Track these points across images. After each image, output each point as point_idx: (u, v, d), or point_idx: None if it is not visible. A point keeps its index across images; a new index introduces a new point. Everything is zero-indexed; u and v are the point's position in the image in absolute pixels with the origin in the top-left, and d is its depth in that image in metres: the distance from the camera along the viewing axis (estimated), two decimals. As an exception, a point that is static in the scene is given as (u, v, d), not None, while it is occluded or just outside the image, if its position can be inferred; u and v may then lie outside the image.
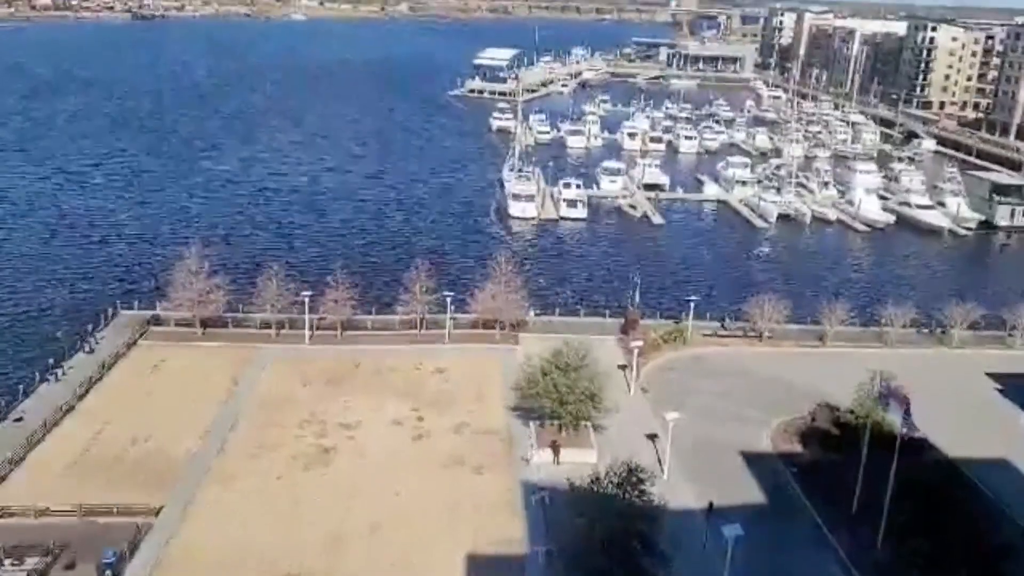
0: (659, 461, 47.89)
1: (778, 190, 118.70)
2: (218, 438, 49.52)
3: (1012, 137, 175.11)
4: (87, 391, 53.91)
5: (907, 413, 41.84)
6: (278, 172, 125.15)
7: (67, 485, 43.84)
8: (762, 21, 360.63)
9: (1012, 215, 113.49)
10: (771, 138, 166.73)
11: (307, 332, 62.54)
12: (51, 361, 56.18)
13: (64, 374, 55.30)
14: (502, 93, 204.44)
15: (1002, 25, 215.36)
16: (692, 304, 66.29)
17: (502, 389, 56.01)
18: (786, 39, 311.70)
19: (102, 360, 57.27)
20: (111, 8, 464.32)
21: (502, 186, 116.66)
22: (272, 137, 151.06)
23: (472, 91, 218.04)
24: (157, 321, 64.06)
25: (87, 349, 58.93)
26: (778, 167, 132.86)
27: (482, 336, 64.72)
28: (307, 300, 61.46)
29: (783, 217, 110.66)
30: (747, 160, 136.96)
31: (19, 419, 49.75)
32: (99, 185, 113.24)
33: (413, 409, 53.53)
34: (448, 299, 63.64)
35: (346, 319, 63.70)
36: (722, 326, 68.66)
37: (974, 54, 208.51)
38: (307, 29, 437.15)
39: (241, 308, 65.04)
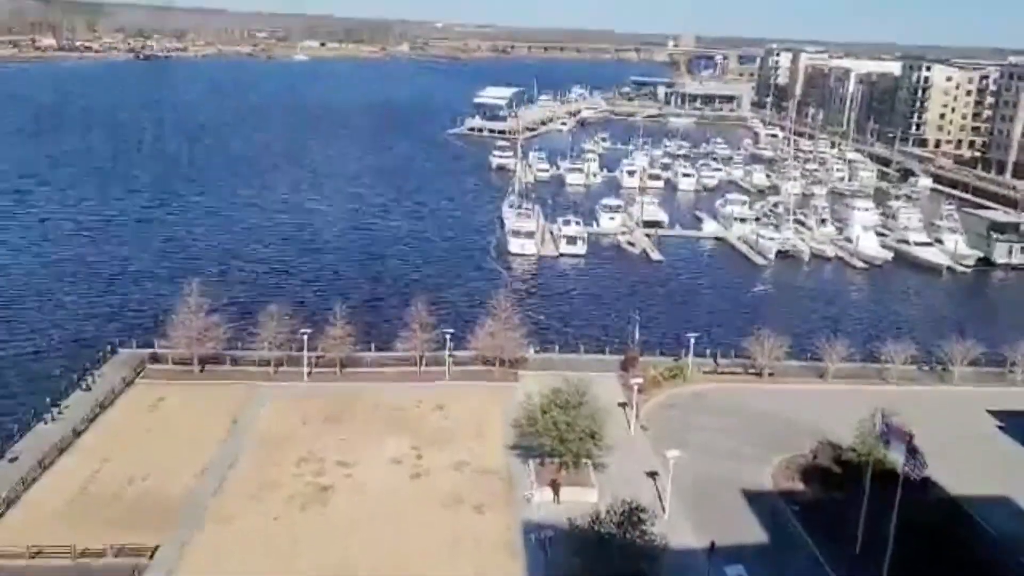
0: (660, 499, 47.49)
1: (776, 227, 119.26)
2: (216, 477, 49.12)
3: (1008, 175, 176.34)
4: (84, 429, 53.57)
5: (913, 451, 41.64)
6: (279, 210, 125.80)
7: (63, 525, 43.37)
8: (758, 61, 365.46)
9: (1010, 252, 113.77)
10: (769, 176, 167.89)
11: (306, 369, 62.40)
12: (48, 399, 55.91)
13: (61, 412, 55.01)
14: (502, 131, 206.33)
15: (995, 65, 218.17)
16: (692, 341, 66.25)
17: (502, 426, 55.73)
18: (782, 78, 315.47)
19: (99, 398, 57.02)
20: (115, 49, 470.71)
21: (502, 223, 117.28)
22: (273, 175, 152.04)
23: (472, 129, 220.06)
24: (155, 359, 63.89)
25: (84, 387, 58.72)
26: (776, 204, 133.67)
27: (482, 373, 64.58)
28: (306, 337, 61.43)
29: (782, 254, 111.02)
30: (745, 197, 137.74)
31: (14, 459, 49.37)
32: (99, 223, 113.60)
33: (412, 447, 53.21)
34: (448, 336, 63.62)
35: (345, 356, 63.62)
36: (715, 362, 68.55)
37: (968, 93, 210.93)
38: (309, 69, 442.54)
39: (240, 345, 64.95)
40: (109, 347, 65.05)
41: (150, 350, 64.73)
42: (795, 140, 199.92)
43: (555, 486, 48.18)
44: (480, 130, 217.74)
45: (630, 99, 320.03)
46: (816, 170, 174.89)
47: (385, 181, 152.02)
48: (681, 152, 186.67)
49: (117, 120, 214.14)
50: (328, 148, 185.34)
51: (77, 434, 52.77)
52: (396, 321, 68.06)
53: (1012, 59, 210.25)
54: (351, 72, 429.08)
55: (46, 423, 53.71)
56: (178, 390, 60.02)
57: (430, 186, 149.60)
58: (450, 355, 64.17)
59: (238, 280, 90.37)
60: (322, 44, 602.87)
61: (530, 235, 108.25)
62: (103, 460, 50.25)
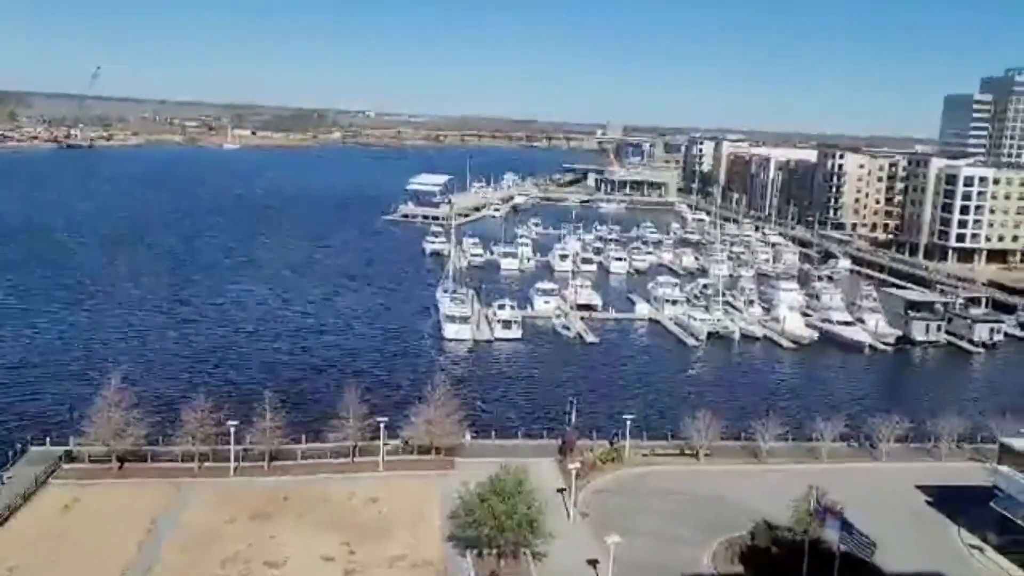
0: (601, 589, 46.44)
1: (707, 308, 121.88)
2: (133, 582, 46.25)
3: (920, 256, 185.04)
4: (-11, 535, 50.14)
5: (849, 528, 41.87)
6: (205, 300, 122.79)
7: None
8: (683, 149, 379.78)
9: (927, 330, 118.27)
10: (697, 258, 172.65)
11: (232, 464, 60.02)
12: (-48, 503, 52.35)
13: (-34, 517, 51.47)
14: (435, 217, 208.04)
15: (903, 153, 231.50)
16: (628, 423, 66.30)
17: (439, 517, 54.31)
18: (706, 165, 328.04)
19: (8, 501, 53.51)
20: (37, 139, 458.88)
21: (436, 308, 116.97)
22: (200, 265, 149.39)
23: (406, 216, 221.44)
24: (70, 457, 60.65)
25: (-8, 489, 55.20)
26: (705, 286, 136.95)
27: (417, 463, 63.15)
28: (232, 430, 59.26)
29: (713, 335, 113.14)
30: (675, 280, 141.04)
31: (-90, 569, 45.73)
32: (10, 316, 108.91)
33: (344, 543, 51.19)
34: (382, 425, 62.22)
35: (274, 449, 61.51)
36: (652, 444, 68.54)
37: (880, 179, 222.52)
38: (240, 158, 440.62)
39: (162, 441, 62.28)
40: (19, 445, 61.53)
41: (65, 448, 61.44)
42: (721, 224, 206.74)
43: (493, 578, 46.80)
44: (414, 216, 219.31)
45: (561, 185, 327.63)
46: (742, 253, 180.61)
47: (317, 269, 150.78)
48: (612, 236, 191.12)
49: (38, 213, 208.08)
50: (258, 237, 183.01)
51: (-19, 541, 49.31)
52: (328, 411, 66.36)
53: (918, 148, 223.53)
54: (282, 161, 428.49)
55: (-53, 530, 50.13)
56: (94, 490, 56.89)
57: (363, 273, 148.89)
58: (384, 444, 62.66)
59: (161, 372, 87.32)
60: (253, 133, 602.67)
61: (465, 320, 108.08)
62: (9, 569, 46.85)
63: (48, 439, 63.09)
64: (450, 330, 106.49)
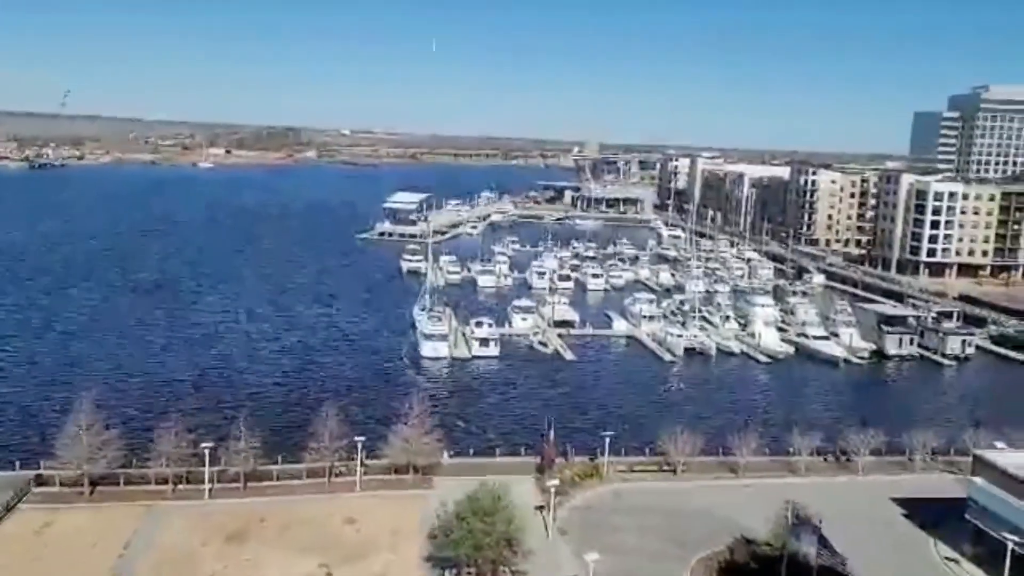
0: (581, 607, 46.24)
1: (683, 324, 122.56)
2: (104, 608, 45.41)
3: (893, 271, 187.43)
4: (-44, 562, 49.10)
5: (824, 542, 42.05)
6: (178, 318, 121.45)
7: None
8: (659, 166, 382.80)
9: (900, 344, 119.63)
10: (673, 275, 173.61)
11: (207, 486, 59.25)
12: (-84, 531, 51.17)
13: (-69, 544, 50.35)
14: (412, 235, 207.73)
15: (874, 170, 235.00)
16: (607, 440, 66.32)
17: (417, 537, 53.85)
18: (681, 182, 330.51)
19: (-24, 527, 52.57)
20: (6, 158, 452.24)
21: (414, 327, 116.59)
22: (175, 285, 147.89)
23: (383, 234, 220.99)
24: (40, 481, 59.58)
25: (-40, 515, 54.07)
26: (682, 302, 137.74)
27: (395, 482, 62.75)
28: (207, 451, 58.55)
29: (690, 350, 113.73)
30: (652, 296, 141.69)
31: None
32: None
33: (322, 564, 50.68)
34: (359, 444, 61.79)
35: (250, 470, 60.82)
36: (630, 460, 68.62)
37: (852, 195, 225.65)
38: (214, 178, 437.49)
39: (135, 463, 61.32)
40: (-12, 470, 60.45)
41: (35, 471, 60.38)
42: (696, 240, 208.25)
43: (472, 598, 46.46)
44: (391, 234, 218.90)
45: (538, 203, 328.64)
46: (718, 269, 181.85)
47: (293, 288, 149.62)
48: (589, 253, 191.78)
49: (6, 234, 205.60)
50: (233, 256, 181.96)
51: (-52, 568, 48.26)
52: (304, 431, 65.73)
53: (889, 164, 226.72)
54: (257, 180, 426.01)
55: (-88, 558, 48.99)
56: (66, 514, 55.88)
57: (339, 291, 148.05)
58: (362, 464, 62.20)
59: (134, 394, 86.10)
60: (228, 151, 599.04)
61: (443, 338, 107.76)
62: (-24, 596, 45.94)
63: (17, 463, 62.00)
64: (427, 348, 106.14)
